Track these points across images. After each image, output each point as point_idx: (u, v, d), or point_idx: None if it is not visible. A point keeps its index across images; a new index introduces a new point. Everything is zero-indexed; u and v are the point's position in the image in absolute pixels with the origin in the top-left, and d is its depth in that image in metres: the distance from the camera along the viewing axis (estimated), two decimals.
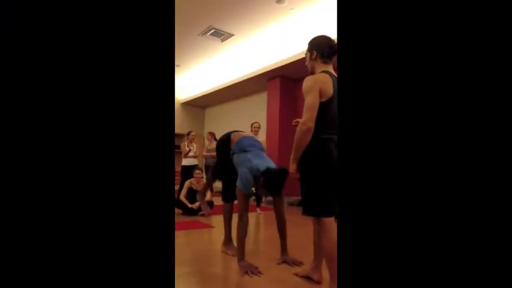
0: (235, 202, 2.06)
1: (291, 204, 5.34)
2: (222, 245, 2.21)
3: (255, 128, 4.17)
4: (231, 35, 5.24)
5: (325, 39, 1.50)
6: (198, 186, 3.97)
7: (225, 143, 2.18)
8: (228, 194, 2.16)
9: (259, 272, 1.76)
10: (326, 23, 4.40)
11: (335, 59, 1.43)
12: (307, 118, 1.35)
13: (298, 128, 1.39)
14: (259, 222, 3.68)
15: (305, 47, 4.57)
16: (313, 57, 1.50)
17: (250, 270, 1.76)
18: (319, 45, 1.48)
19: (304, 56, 1.63)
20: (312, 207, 1.43)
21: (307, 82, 1.41)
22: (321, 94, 1.38)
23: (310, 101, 1.36)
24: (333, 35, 4.63)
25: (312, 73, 1.50)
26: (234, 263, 1.94)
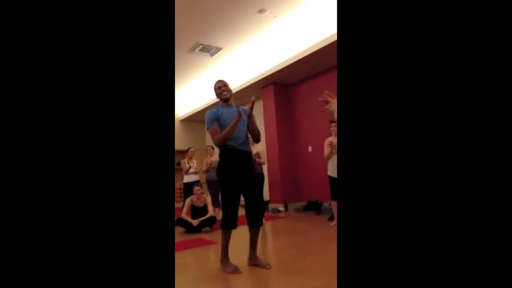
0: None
1: (298, 210, 5.28)
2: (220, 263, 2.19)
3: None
4: (219, 49, 5.28)
5: None
6: (198, 203, 3.95)
7: (222, 161, 2.13)
8: (227, 221, 2.09)
9: (240, 271, 2.07)
10: (309, 27, 4.41)
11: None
12: None
13: None
14: (265, 232, 3.64)
15: (293, 53, 4.57)
16: None
17: (233, 271, 2.06)
18: None
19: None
20: None
21: None
22: None
23: None
24: (318, 37, 4.59)
25: None
26: (238, 282, 1.92)
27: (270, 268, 2.11)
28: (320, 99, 1.34)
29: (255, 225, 2.14)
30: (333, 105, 1.30)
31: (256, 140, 2.26)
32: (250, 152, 2.19)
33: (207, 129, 2.13)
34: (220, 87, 2.18)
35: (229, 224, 2.08)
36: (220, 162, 2.13)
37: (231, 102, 2.23)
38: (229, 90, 2.19)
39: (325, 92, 1.33)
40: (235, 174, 2.07)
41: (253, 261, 2.21)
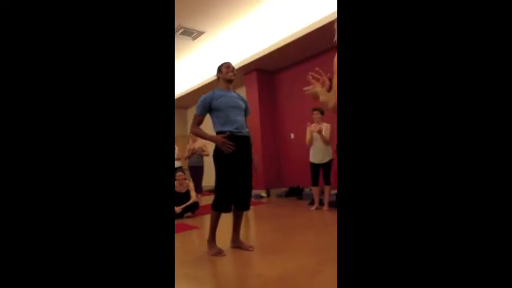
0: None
1: (280, 196, 5.38)
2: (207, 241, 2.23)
3: None
4: (201, 33, 5.17)
5: None
6: (181, 189, 3.95)
7: (216, 151, 2.13)
8: (220, 204, 2.11)
9: (224, 254, 2.11)
10: (293, 13, 4.39)
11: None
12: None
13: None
14: (248, 217, 3.70)
15: (275, 39, 4.55)
16: None
17: (217, 253, 2.11)
18: None
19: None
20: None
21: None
22: None
23: None
24: (302, 23, 4.57)
25: None
26: (223, 264, 1.97)
27: (252, 250, 2.17)
28: (309, 77, 1.25)
29: (244, 208, 2.20)
30: (316, 87, 1.18)
31: None
32: (249, 136, 2.21)
33: (195, 114, 2.17)
34: (229, 67, 2.22)
35: (223, 208, 2.11)
36: (217, 147, 2.12)
37: (231, 86, 2.26)
38: (235, 74, 2.25)
39: (316, 69, 1.23)
40: (233, 159, 2.08)
41: (236, 243, 2.27)
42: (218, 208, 2.12)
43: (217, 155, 2.11)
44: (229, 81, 2.21)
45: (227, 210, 2.12)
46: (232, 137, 2.09)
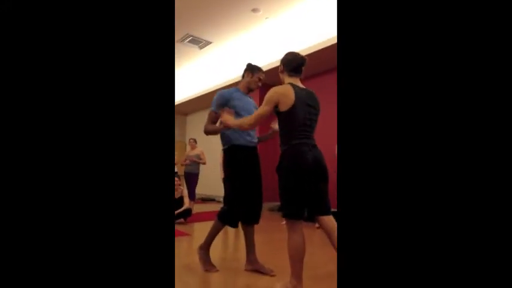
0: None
1: (272, 209, 5.38)
2: (198, 248, 2.06)
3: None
4: (209, 43, 5.27)
5: (293, 55, 1.72)
6: (175, 195, 3.95)
7: (231, 161, 1.98)
8: (229, 218, 1.95)
9: (216, 270, 1.99)
10: (299, 31, 4.51)
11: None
12: (251, 123, 1.66)
13: (241, 123, 1.71)
14: (239, 229, 3.68)
15: (279, 55, 4.73)
16: (281, 70, 1.74)
17: (210, 269, 1.98)
18: (286, 61, 1.72)
19: (278, 63, 1.86)
20: (282, 209, 1.60)
21: (269, 93, 1.63)
22: (280, 104, 1.59)
23: (262, 112, 1.62)
24: (306, 42, 4.68)
25: (282, 83, 1.72)
26: (209, 275, 1.97)
27: (274, 276, 1.92)
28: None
29: (254, 221, 2.01)
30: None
31: None
32: (256, 146, 2.10)
33: (211, 110, 2.00)
34: (261, 79, 2.09)
35: (230, 221, 1.97)
36: (228, 162, 2.01)
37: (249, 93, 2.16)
38: (259, 87, 2.14)
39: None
40: (245, 169, 1.98)
41: (254, 265, 2.00)
42: (225, 220, 1.96)
43: (230, 165, 1.99)
44: (251, 90, 2.11)
45: (234, 225, 1.97)
46: (242, 150, 1.99)
